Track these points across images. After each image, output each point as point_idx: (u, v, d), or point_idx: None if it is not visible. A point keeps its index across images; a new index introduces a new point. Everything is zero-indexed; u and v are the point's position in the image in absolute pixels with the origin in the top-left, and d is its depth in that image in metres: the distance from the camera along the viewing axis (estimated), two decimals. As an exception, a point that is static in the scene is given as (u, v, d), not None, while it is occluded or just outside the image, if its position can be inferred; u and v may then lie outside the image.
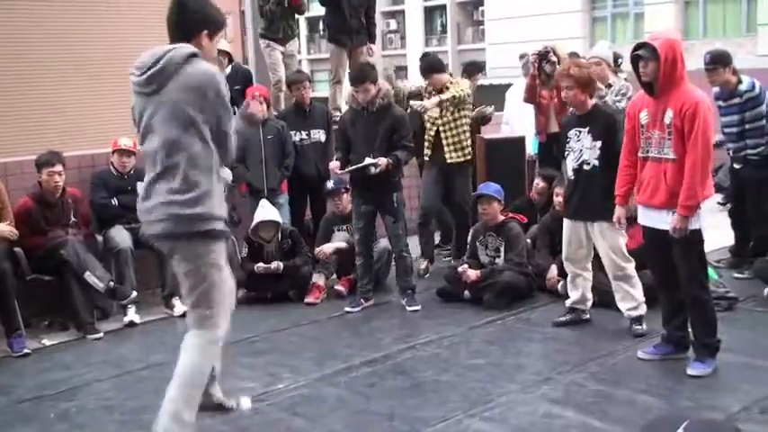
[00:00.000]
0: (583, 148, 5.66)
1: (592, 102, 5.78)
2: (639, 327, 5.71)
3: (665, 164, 4.81)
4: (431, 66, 7.53)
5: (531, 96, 7.86)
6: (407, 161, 6.90)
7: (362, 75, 6.59)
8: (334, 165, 6.74)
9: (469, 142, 7.59)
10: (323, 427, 4.46)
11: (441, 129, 7.44)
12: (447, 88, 7.41)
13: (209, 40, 3.85)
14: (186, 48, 3.77)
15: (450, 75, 7.71)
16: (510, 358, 5.42)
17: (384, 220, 6.74)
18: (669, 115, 4.76)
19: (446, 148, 7.44)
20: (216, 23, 3.89)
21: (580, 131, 5.69)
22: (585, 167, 5.65)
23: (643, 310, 5.75)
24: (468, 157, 7.60)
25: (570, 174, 5.77)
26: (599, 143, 5.58)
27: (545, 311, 6.35)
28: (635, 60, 4.88)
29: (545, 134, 7.89)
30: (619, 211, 5.24)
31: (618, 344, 5.54)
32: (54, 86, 13.95)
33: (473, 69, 9.34)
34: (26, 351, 5.96)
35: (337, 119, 8.63)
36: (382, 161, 6.40)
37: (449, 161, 7.46)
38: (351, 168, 6.56)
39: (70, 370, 5.62)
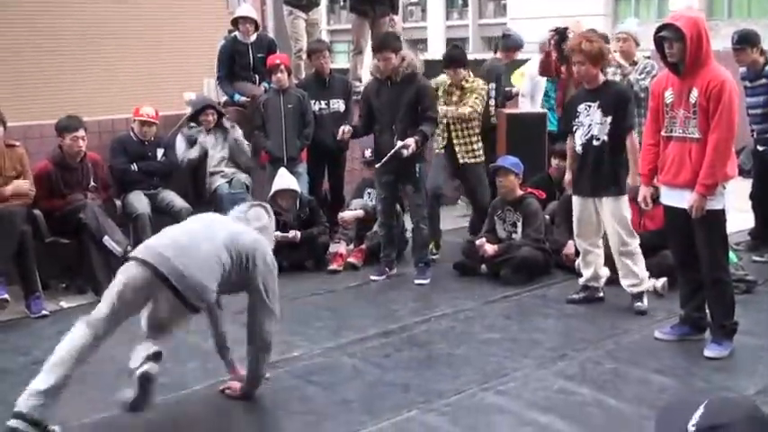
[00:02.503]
0: (592, 123, 5.61)
1: (603, 76, 5.72)
2: (641, 303, 5.71)
3: (689, 143, 4.76)
4: (455, 58, 7.32)
5: (546, 70, 7.85)
6: (433, 133, 6.79)
7: (383, 43, 6.54)
8: (346, 130, 6.67)
9: (480, 145, 7.37)
10: (337, 395, 4.47)
11: (452, 127, 7.24)
12: (462, 88, 7.27)
13: None
14: None
15: (468, 71, 7.54)
16: (525, 334, 5.41)
17: (405, 189, 6.71)
18: (695, 94, 4.70)
19: (457, 148, 7.26)
20: None
21: (590, 106, 5.63)
22: (595, 143, 5.61)
23: (644, 286, 5.76)
24: (480, 159, 7.36)
25: (579, 148, 5.72)
26: (609, 118, 5.53)
27: (562, 288, 6.34)
28: (659, 42, 4.81)
29: (562, 109, 7.85)
30: (644, 191, 5.18)
31: (634, 322, 5.53)
32: (75, 52, 13.98)
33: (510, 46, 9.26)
34: (44, 313, 6.01)
35: (358, 89, 8.62)
36: (410, 142, 6.32)
37: (461, 161, 7.29)
38: (385, 159, 6.46)
39: (87, 332, 5.64)
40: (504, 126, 8.15)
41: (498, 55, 9.07)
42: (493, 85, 8.28)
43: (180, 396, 4.53)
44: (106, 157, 7.02)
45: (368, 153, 7.47)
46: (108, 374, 4.87)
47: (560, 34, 7.46)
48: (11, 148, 6.32)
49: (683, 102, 4.77)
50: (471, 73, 7.41)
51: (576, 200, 5.87)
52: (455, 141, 7.23)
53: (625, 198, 5.63)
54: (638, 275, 5.72)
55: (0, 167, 6.20)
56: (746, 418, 1.81)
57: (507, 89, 9.23)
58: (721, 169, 4.69)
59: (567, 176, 6.05)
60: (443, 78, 7.34)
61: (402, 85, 6.48)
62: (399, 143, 6.35)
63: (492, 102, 8.24)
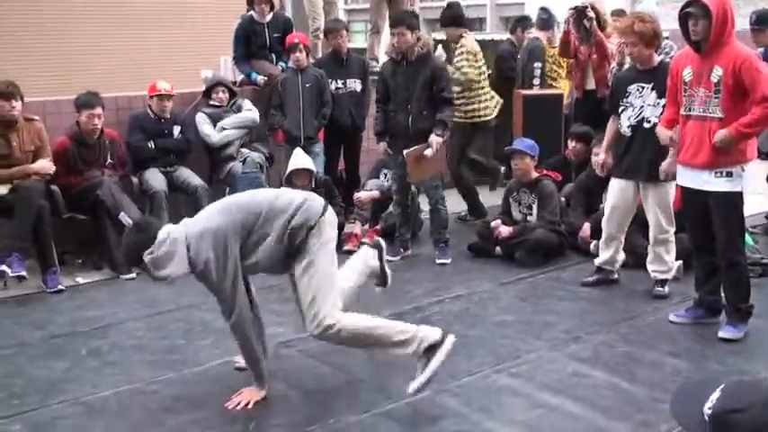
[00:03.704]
0: (644, 105, 5.46)
1: (657, 57, 5.62)
2: (661, 289, 5.68)
3: (710, 123, 4.69)
4: (451, 18, 7.47)
5: (564, 51, 7.80)
6: (452, 116, 6.70)
7: (399, 18, 6.51)
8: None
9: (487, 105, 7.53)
10: (350, 375, 4.49)
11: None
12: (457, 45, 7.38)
13: None
14: None
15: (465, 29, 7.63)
16: (539, 316, 5.40)
17: None
18: (717, 73, 4.63)
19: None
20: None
21: (643, 87, 5.47)
22: (645, 125, 5.46)
23: (670, 275, 5.72)
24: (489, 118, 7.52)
25: (626, 130, 5.57)
26: (664, 101, 5.31)
27: (576, 270, 6.32)
28: (683, 18, 4.75)
29: (582, 90, 7.81)
30: (663, 133, 5.06)
31: (648, 306, 5.51)
32: (93, 29, 14.04)
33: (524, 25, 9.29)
34: (60, 288, 6.05)
35: (375, 69, 8.59)
36: (434, 139, 6.32)
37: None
38: (410, 151, 6.40)
39: (103, 308, 5.69)
40: (520, 107, 8.11)
41: (537, 33, 9.03)
42: (538, 65, 8.24)
43: (194, 373, 4.56)
44: (123, 134, 7.04)
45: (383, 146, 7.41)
46: (130, 349, 4.94)
47: (580, 13, 7.39)
48: (29, 122, 6.34)
49: (704, 80, 4.70)
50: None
51: (615, 183, 5.73)
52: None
53: (672, 184, 5.45)
54: (667, 263, 5.68)
55: (19, 142, 6.23)
56: (764, 402, 1.80)
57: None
58: (757, 130, 4.65)
59: (603, 158, 5.81)
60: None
61: (417, 65, 6.42)
62: (429, 151, 6.33)
63: (537, 81, 8.20)
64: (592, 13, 7.38)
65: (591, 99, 7.60)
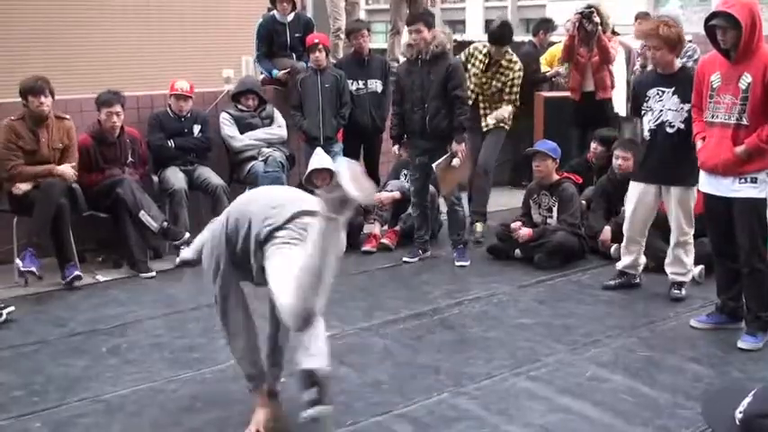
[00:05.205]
0: (664, 109, 5.43)
1: (679, 62, 5.59)
2: (678, 291, 5.66)
3: (735, 130, 4.65)
4: (508, 36, 7.40)
5: (567, 55, 7.80)
6: (467, 117, 6.56)
7: (416, 16, 6.62)
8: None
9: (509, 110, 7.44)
10: (369, 376, 4.48)
11: (480, 97, 7.33)
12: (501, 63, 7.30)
13: None
14: None
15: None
16: (559, 319, 5.37)
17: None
18: (747, 80, 4.58)
19: (482, 112, 7.35)
20: None
21: (663, 91, 5.44)
22: (668, 129, 5.41)
23: (688, 277, 5.70)
24: (505, 126, 7.45)
25: (647, 134, 5.53)
26: (687, 105, 5.28)
27: (596, 274, 6.29)
28: (710, 30, 4.70)
29: (579, 92, 7.79)
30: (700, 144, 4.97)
31: (669, 310, 5.47)
32: (115, 29, 14.14)
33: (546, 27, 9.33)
34: (77, 274, 6.07)
35: (396, 70, 8.58)
36: (456, 147, 6.35)
37: (484, 129, 7.39)
38: (438, 164, 6.42)
39: (122, 306, 5.72)
40: (541, 109, 8.09)
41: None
42: None
43: (213, 372, 4.57)
44: (145, 133, 7.07)
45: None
46: (149, 348, 4.95)
47: (586, 17, 7.43)
48: (60, 120, 6.36)
49: (732, 87, 4.65)
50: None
51: (636, 186, 5.69)
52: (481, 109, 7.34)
53: (694, 189, 5.42)
54: (685, 265, 5.66)
55: (47, 138, 6.25)
56: None
57: (546, 72, 9.15)
58: None
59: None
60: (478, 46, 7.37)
61: (432, 64, 6.41)
62: (456, 160, 6.37)
63: None
64: (597, 18, 7.41)
65: (589, 101, 7.60)
